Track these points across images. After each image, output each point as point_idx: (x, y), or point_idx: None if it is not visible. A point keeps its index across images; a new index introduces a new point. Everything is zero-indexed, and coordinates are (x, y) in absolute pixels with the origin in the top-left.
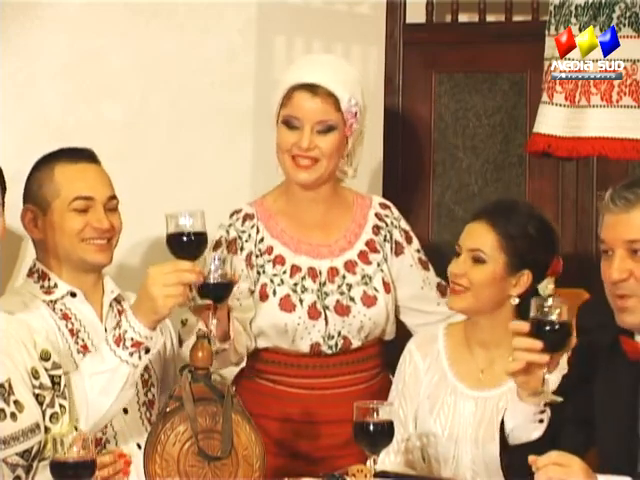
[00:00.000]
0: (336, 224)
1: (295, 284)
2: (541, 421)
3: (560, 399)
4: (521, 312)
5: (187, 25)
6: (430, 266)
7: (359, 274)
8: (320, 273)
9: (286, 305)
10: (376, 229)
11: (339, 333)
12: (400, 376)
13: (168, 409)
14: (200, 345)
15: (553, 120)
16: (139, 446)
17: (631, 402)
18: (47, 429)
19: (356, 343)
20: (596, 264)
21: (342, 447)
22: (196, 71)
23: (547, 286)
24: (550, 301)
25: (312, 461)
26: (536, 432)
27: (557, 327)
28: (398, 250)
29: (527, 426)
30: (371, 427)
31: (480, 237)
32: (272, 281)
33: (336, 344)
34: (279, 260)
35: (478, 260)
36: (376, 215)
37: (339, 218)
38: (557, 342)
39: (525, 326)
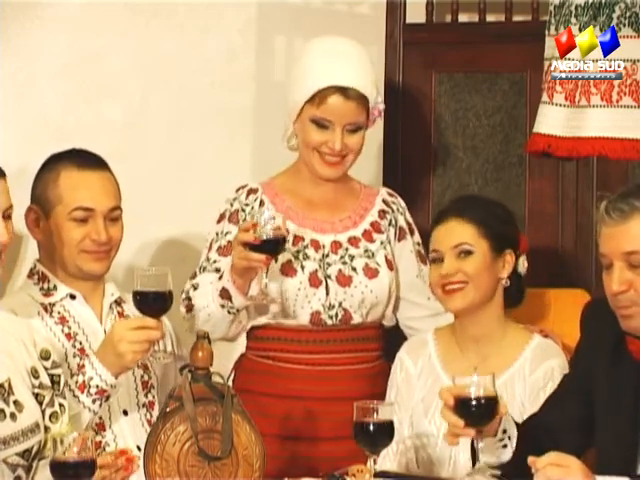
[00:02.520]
0: (342, 205)
1: (297, 251)
2: (505, 446)
3: (497, 473)
4: (510, 295)
5: (187, 25)
6: (427, 263)
7: (362, 248)
8: (323, 246)
9: (287, 270)
10: (382, 213)
11: (340, 304)
12: (393, 384)
13: (168, 409)
14: (200, 345)
15: (553, 120)
16: (139, 448)
17: (633, 403)
18: (47, 428)
19: (357, 318)
20: (596, 264)
21: (342, 427)
22: (196, 71)
23: (523, 264)
24: (473, 378)
25: (310, 441)
26: (505, 455)
27: (479, 404)
28: (401, 235)
29: (493, 450)
30: (371, 427)
31: (458, 232)
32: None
33: (336, 314)
34: (299, 238)
35: (465, 253)
36: (383, 201)
37: (346, 201)
38: (479, 418)
39: (450, 400)
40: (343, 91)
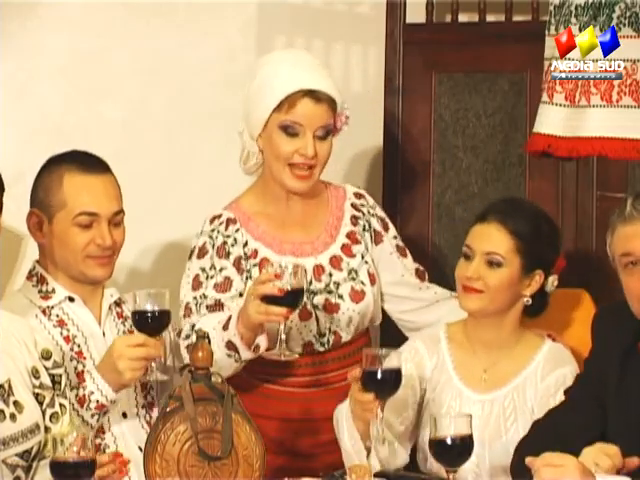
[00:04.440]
0: (315, 220)
1: None
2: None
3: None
4: (530, 311)
5: (187, 25)
6: (408, 252)
7: (345, 269)
8: (305, 271)
9: None
10: (354, 219)
11: (329, 329)
12: (406, 364)
13: (168, 409)
14: (200, 345)
15: (553, 120)
16: (140, 449)
17: None
18: (47, 429)
19: (345, 337)
20: (596, 264)
21: (330, 442)
22: (196, 71)
23: (552, 283)
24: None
25: (307, 457)
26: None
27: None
28: (377, 239)
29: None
30: (379, 374)
31: (495, 240)
32: None
33: (328, 341)
34: (265, 263)
35: (495, 264)
36: (352, 205)
37: (317, 213)
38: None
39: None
40: (312, 94)
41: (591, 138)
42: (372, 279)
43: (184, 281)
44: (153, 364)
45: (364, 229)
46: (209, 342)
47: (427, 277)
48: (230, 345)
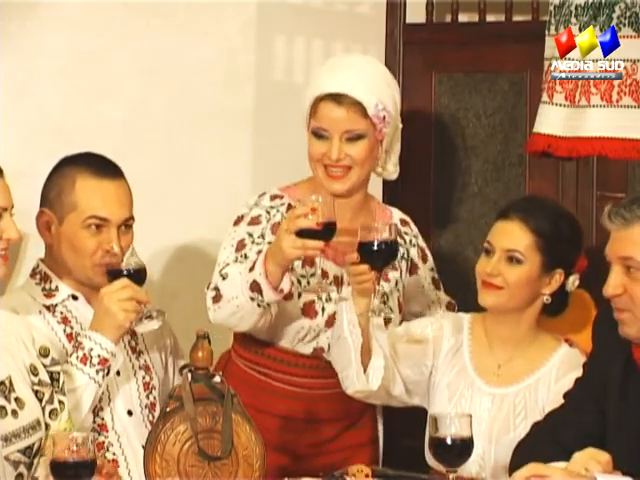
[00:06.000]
0: None
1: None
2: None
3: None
4: (549, 310)
5: (187, 25)
6: (441, 284)
7: (379, 292)
8: (343, 282)
9: (309, 311)
10: None
11: None
12: (426, 327)
13: (168, 409)
14: (200, 345)
15: (553, 120)
16: (144, 448)
17: None
18: (46, 425)
19: None
20: (596, 264)
21: (329, 442)
22: (196, 71)
23: (573, 283)
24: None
25: (307, 457)
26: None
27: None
28: (413, 269)
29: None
30: (375, 245)
31: (515, 237)
32: (299, 282)
33: None
34: (308, 261)
35: (514, 260)
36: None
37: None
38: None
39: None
40: (334, 97)
41: (591, 138)
42: (400, 308)
43: (227, 243)
44: (145, 309)
45: (402, 257)
46: (209, 342)
47: (456, 309)
48: (254, 286)
